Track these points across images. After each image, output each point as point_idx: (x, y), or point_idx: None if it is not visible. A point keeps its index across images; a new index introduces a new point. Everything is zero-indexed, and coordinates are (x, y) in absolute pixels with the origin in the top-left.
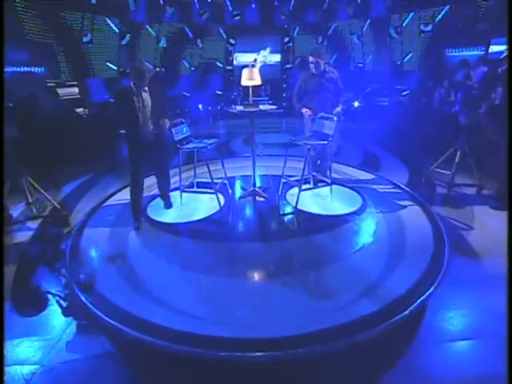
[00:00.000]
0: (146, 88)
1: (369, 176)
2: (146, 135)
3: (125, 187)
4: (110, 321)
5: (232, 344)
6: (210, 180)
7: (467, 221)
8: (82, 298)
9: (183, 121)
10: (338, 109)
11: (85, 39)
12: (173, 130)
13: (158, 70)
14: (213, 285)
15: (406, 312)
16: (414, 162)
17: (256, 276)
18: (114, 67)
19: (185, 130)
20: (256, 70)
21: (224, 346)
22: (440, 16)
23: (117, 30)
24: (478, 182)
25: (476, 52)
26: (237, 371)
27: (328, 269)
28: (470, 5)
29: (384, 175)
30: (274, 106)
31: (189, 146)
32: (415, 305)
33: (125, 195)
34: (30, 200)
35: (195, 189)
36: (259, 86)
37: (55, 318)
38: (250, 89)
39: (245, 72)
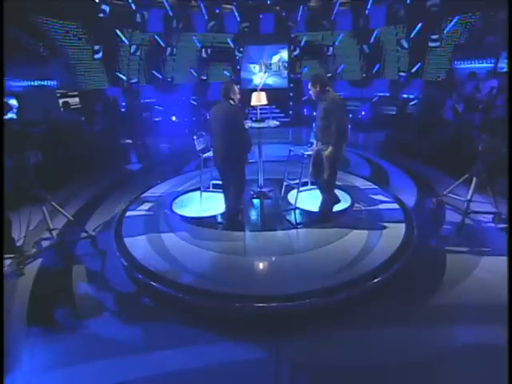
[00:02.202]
0: None
1: (363, 181)
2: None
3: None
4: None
5: (247, 298)
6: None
7: (477, 251)
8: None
9: (203, 133)
10: (327, 152)
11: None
12: (195, 140)
13: (166, 79)
14: (228, 260)
15: (376, 280)
16: (422, 178)
17: (263, 255)
18: (124, 77)
19: (205, 140)
20: (263, 94)
21: (239, 300)
22: (449, 27)
23: (127, 42)
24: (496, 210)
25: (485, 64)
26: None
27: (319, 250)
28: (480, 17)
29: (391, 190)
30: (278, 123)
31: (209, 154)
32: (385, 275)
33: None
34: (51, 226)
35: (211, 189)
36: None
37: (71, 350)
38: (258, 108)
39: (254, 95)
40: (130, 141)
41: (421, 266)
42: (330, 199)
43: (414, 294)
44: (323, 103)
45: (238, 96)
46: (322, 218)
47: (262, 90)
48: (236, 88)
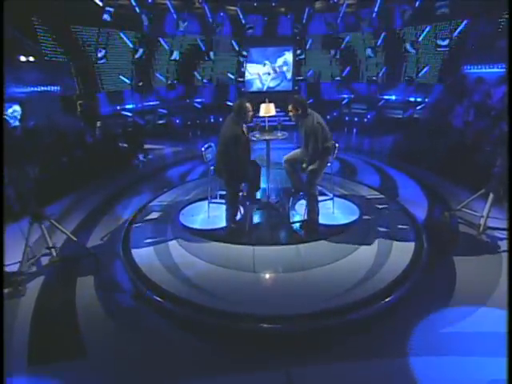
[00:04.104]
0: None
1: (370, 191)
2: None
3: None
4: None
5: (253, 318)
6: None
7: (492, 272)
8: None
9: (212, 144)
10: (303, 165)
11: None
12: (203, 152)
13: (171, 82)
14: (233, 276)
15: (387, 299)
16: (431, 187)
17: (270, 272)
18: (127, 81)
19: (212, 151)
20: (272, 105)
21: (245, 319)
22: (458, 30)
23: (131, 45)
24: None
25: (496, 69)
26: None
27: (327, 267)
28: (489, 20)
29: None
30: (286, 134)
31: None
32: (392, 296)
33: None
34: (50, 244)
35: (219, 199)
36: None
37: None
38: (267, 119)
39: (262, 107)
40: (132, 146)
41: (430, 287)
42: (312, 210)
43: (422, 319)
44: (304, 126)
45: (251, 113)
46: (309, 227)
47: (269, 99)
48: (248, 106)
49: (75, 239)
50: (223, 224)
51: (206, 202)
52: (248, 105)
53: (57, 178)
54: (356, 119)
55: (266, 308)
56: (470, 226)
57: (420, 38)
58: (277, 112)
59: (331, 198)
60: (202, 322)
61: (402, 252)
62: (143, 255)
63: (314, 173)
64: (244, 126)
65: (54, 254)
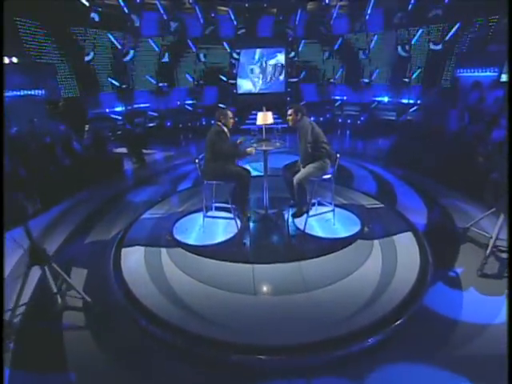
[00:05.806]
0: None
1: (369, 199)
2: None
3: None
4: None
5: (248, 349)
6: (226, 204)
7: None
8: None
9: None
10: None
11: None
12: (197, 164)
13: (161, 84)
14: (228, 299)
15: (392, 326)
16: (429, 193)
17: (266, 293)
18: (117, 83)
19: None
20: (269, 114)
21: (238, 349)
22: (450, 34)
23: (119, 46)
24: None
25: (488, 73)
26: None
27: (328, 288)
28: (482, 24)
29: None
30: (284, 142)
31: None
32: (399, 321)
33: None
34: (55, 290)
35: (214, 213)
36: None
37: None
38: (264, 128)
39: (260, 115)
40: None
41: (436, 310)
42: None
43: (427, 342)
44: (299, 128)
45: (231, 120)
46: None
47: (261, 100)
48: (228, 113)
49: (77, 289)
50: (220, 239)
51: (200, 214)
52: (228, 112)
53: (42, 188)
54: (348, 121)
55: (267, 336)
56: (479, 246)
57: (413, 40)
58: (274, 117)
59: (332, 210)
60: (194, 351)
61: (407, 269)
62: (134, 274)
63: (306, 171)
64: (226, 129)
65: (59, 301)
